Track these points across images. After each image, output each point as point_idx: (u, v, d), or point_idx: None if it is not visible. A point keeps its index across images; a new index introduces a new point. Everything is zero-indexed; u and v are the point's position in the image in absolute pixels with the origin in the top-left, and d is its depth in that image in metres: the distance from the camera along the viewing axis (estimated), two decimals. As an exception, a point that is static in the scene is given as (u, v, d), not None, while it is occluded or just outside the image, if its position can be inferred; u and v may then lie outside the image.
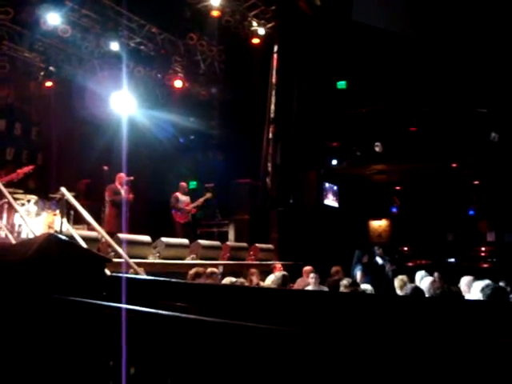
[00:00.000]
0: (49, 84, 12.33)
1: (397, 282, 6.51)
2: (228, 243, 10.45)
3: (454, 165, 14.71)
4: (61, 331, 1.76)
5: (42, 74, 12.12)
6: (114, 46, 11.57)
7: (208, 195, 11.51)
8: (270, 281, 7.05)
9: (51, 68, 12.00)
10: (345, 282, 5.96)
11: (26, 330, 1.93)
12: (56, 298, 1.82)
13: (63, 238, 2.58)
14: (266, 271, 8.41)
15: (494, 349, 1.44)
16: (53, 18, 10.19)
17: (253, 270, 7.81)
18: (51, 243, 2.25)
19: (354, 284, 6.08)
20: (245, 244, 10.70)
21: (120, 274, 3.67)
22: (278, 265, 9.27)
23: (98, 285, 2.28)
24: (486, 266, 14.93)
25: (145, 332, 1.58)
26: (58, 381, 1.77)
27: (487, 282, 5.07)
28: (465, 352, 1.21)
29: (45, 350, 1.82)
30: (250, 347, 1.22)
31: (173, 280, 2.84)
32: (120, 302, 1.96)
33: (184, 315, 1.44)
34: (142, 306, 1.77)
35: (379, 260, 11.18)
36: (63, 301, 1.80)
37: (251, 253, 10.58)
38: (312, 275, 7.38)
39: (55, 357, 1.79)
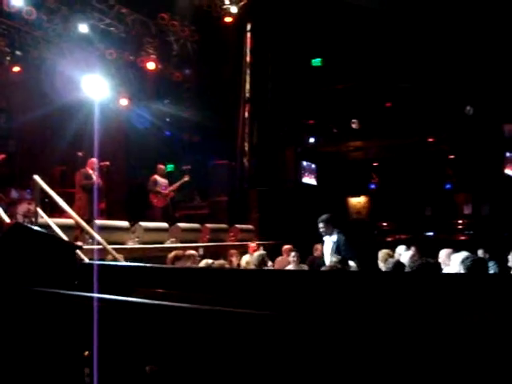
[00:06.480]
0: (16, 69, 11.93)
1: (381, 255, 6.57)
2: (207, 225, 10.38)
3: (430, 139, 14.83)
4: (29, 323, 1.69)
5: (9, 58, 11.69)
6: (83, 28, 11.22)
7: (185, 178, 11.35)
8: (244, 261, 7.03)
9: (18, 52, 11.60)
10: (334, 258, 5.95)
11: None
12: (23, 289, 1.75)
13: (30, 226, 2.48)
14: (246, 252, 8.40)
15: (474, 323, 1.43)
16: (16, 0, 9.82)
17: (232, 251, 7.79)
18: (17, 232, 2.16)
19: (343, 262, 6.05)
20: (225, 225, 10.66)
21: (92, 262, 3.60)
22: (252, 244, 9.18)
23: (70, 273, 2.21)
24: (463, 238, 15.15)
25: (118, 320, 1.52)
26: (25, 374, 1.72)
27: (466, 253, 5.13)
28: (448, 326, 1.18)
29: (14, 342, 1.75)
30: (222, 332, 1.18)
31: (148, 265, 2.78)
32: (92, 291, 1.90)
33: (153, 302, 1.40)
34: (118, 294, 1.71)
35: None
36: (31, 292, 1.73)
37: (231, 234, 10.56)
38: (293, 254, 7.36)
39: (23, 349, 1.73)
